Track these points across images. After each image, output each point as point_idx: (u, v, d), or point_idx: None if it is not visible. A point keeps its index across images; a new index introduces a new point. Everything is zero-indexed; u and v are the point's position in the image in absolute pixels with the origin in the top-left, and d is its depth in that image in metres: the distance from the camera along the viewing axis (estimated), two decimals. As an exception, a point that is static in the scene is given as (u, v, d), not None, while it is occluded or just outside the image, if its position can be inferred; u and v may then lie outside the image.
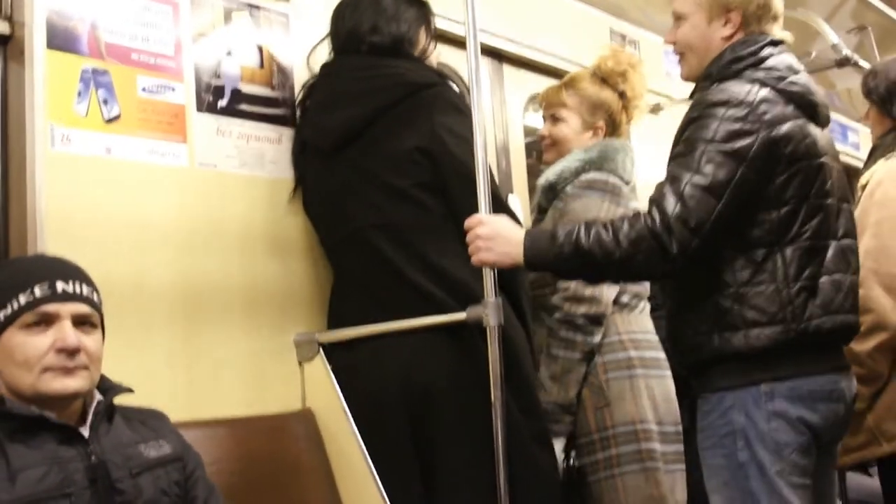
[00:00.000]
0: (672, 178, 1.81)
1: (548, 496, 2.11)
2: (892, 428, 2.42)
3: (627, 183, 2.54)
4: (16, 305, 1.49)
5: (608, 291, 2.38)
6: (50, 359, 1.48)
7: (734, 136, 1.78)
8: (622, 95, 2.61)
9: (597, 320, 2.37)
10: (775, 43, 1.94)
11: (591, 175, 2.46)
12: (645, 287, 2.53)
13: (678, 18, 2.03)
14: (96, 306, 1.57)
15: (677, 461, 2.41)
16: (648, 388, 2.38)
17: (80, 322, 1.53)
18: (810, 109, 1.90)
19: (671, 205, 1.77)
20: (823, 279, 1.84)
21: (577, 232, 1.80)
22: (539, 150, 3.04)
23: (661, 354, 2.48)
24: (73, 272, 1.56)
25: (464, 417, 2.03)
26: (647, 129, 3.31)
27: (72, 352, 1.49)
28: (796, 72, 1.91)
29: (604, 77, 2.60)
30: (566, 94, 2.59)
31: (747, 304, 1.80)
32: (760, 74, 1.86)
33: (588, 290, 2.34)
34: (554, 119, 2.62)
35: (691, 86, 2.08)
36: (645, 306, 2.53)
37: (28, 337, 1.48)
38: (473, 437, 2.00)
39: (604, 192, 2.43)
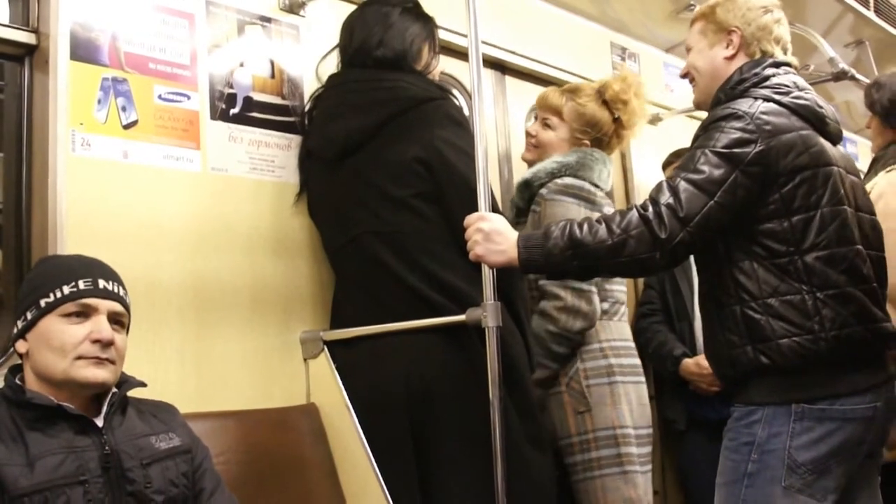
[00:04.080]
0: (670, 178, 1.86)
1: (541, 497, 2.12)
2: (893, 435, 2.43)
3: (600, 188, 2.58)
4: (58, 294, 1.56)
5: (598, 304, 2.43)
6: (84, 347, 1.54)
7: (734, 143, 1.82)
8: (617, 121, 2.63)
9: (584, 333, 2.42)
10: (778, 64, 1.98)
11: (567, 180, 2.50)
12: (622, 291, 2.58)
13: (688, 50, 2.12)
14: (128, 308, 1.65)
15: (647, 462, 2.49)
16: (626, 394, 2.43)
17: (113, 320, 1.60)
18: (819, 123, 1.92)
19: (665, 196, 1.81)
20: (852, 288, 1.82)
21: (571, 225, 1.83)
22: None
23: (638, 361, 2.54)
24: (111, 273, 1.65)
25: (460, 416, 2.05)
26: (646, 139, 3.32)
27: (106, 344, 1.56)
28: (803, 89, 1.95)
29: (606, 99, 2.62)
30: (564, 103, 2.62)
31: (776, 315, 1.81)
32: (765, 91, 1.91)
33: (584, 304, 2.39)
34: (544, 123, 2.65)
35: (690, 96, 2.14)
36: (624, 313, 2.58)
37: (67, 325, 1.55)
38: (469, 436, 2.02)
39: (578, 197, 2.46)
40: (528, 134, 2.71)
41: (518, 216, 2.60)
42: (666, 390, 3.11)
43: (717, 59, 2.03)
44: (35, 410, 1.51)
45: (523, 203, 2.57)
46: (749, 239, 1.85)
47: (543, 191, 2.49)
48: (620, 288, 2.57)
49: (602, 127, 2.63)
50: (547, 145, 2.63)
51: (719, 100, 1.98)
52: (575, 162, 2.54)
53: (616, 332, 2.50)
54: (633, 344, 2.57)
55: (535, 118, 2.71)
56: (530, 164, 2.66)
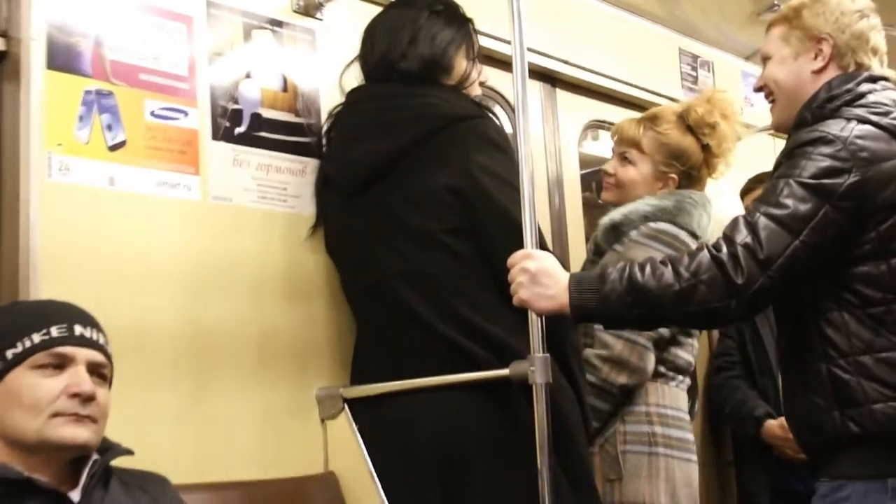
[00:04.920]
0: (749, 211, 1.78)
1: None
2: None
3: (699, 239, 2.46)
4: (27, 344, 1.49)
5: (651, 362, 2.34)
6: (61, 403, 1.46)
7: (823, 172, 1.72)
8: (705, 148, 2.53)
9: (632, 392, 2.34)
10: (875, 79, 1.88)
11: (661, 225, 2.40)
12: (687, 361, 2.47)
13: (765, 59, 2.01)
14: (110, 358, 1.58)
15: None
16: (668, 470, 2.33)
17: (93, 372, 1.53)
18: None
19: (741, 235, 1.72)
20: None
21: (631, 267, 1.74)
22: (597, 181, 2.94)
23: (690, 436, 2.44)
24: (89, 319, 1.58)
25: (501, 486, 1.93)
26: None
27: (86, 398, 1.48)
28: None
29: (690, 125, 2.53)
30: (643, 133, 2.53)
31: (869, 376, 1.71)
32: (860, 111, 1.81)
33: (634, 358, 2.31)
34: (623, 158, 2.57)
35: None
36: (683, 381, 2.49)
37: (39, 379, 1.48)
38: None
39: (670, 246, 2.35)
40: (605, 173, 2.62)
41: (596, 255, 2.54)
42: (746, 457, 2.96)
43: (804, 72, 1.92)
44: (1, 486, 1.42)
45: (607, 244, 2.49)
46: (839, 284, 1.76)
47: (633, 232, 2.41)
48: (685, 356, 2.46)
49: (689, 157, 2.52)
50: (629, 184, 2.54)
51: (804, 120, 1.86)
52: (673, 206, 2.43)
53: (669, 399, 2.41)
54: (687, 417, 2.47)
55: (612, 153, 2.65)
56: (611, 204, 2.59)
